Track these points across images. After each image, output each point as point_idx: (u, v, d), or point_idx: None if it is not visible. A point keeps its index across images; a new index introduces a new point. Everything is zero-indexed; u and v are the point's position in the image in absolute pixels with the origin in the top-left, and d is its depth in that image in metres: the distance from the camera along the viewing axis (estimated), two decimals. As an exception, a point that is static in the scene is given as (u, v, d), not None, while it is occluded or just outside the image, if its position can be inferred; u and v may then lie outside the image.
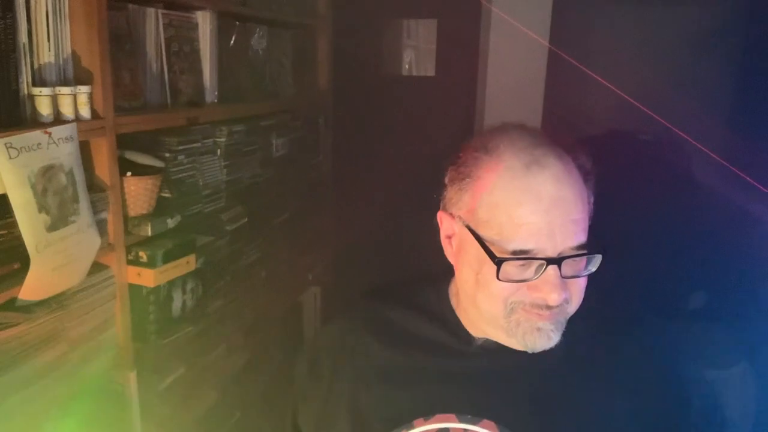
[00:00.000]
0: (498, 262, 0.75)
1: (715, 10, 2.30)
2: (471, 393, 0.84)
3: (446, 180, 0.86)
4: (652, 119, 2.21)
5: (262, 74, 2.02)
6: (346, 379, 0.90)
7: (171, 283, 1.52)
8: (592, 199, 0.81)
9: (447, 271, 0.90)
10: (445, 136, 2.53)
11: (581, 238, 0.76)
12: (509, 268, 0.75)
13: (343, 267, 2.60)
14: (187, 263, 1.54)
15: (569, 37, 2.39)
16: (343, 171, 2.54)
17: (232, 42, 1.83)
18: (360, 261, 2.54)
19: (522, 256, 0.75)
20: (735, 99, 2.33)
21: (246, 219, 1.84)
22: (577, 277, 0.78)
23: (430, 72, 2.57)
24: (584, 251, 0.76)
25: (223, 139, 1.72)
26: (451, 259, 0.87)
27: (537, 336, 0.78)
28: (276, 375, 2.04)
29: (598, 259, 0.77)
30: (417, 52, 2.58)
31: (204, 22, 1.67)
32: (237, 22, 1.84)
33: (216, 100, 1.74)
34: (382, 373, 0.88)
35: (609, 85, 2.34)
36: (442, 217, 0.87)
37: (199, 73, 1.68)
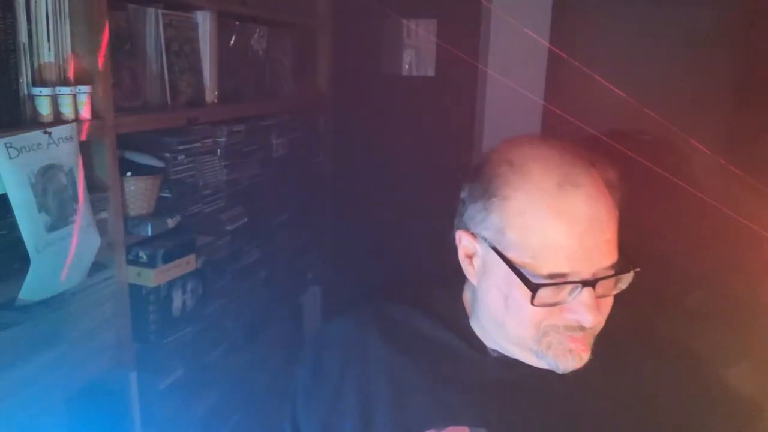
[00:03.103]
0: (534, 288, 0.71)
1: (716, 9, 2.30)
2: (485, 406, 0.81)
3: (464, 196, 0.81)
4: (653, 119, 2.21)
5: (262, 74, 2.02)
6: (355, 378, 0.87)
7: (171, 283, 1.52)
8: (618, 214, 0.77)
9: (459, 273, 0.85)
10: (445, 137, 2.54)
11: (614, 256, 0.73)
12: (543, 292, 0.72)
13: (343, 267, 2.60)
14: (187, 263, 1.54)
15: (569, 37, 2.39)
16: (343, 171, 2.54)
17: (232, 42, 1.83)
18: (360, 261, 2.54)
19: (558, 280, 0.72)
20: (735, 99, 2.33)
21: (246, 219, 1.84)
22: (607, 296, 0.75)
23: (430, 72, 2.57)
24: (617, 270, 0.73)
25: (223, 139, 1.72)
26: (472, 279, 0.83)
27: (569, 358, 0.75)
28: (276, 375, 2.04)
29: (629, 277, 0.74)
30: (417, 52, 2.58)
31: (204, 22, 1.67)
32: (237, 22, 1.84)
33: (216, 100, 1.74)
34: (392, 376, 0.85)
35: (609, 85, 2.34)
36: (461, 236, 0.82)
37: (199, 73, 1.68)
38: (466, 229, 0.80)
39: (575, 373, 0.77)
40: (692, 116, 2.23)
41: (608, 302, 0.76)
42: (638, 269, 0.74)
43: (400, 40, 2.58)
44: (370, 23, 2.55)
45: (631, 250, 0.76)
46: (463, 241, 0.82)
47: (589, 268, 0.72)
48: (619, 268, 0.74)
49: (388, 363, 0.86)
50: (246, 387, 1.90)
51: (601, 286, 0.73)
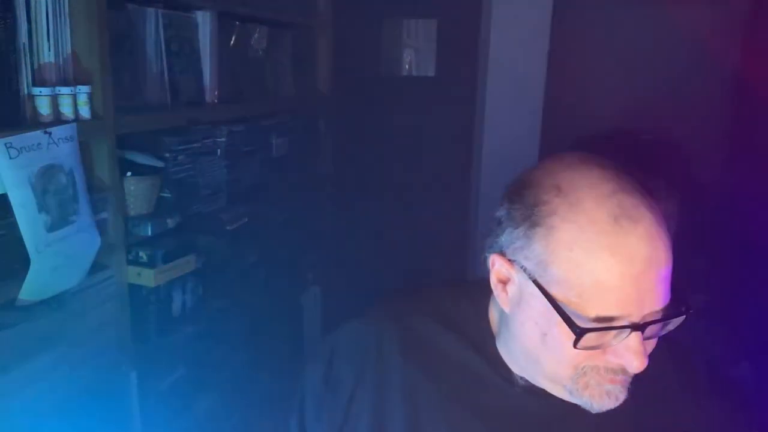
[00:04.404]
0: (580, 333, 0.65)
1: (716, 9, 2.30)
2: None
3: (502, 216, 0.73)
4: (653, 119, 2.21)
5: (262, 74, 2.02)
6: (369, 390, 0.82)
7: (171, 283, 1.52)
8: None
9: (484, 286, 0.78)
10: (445, 137, 2.54)
11: (666, 299, 0.67)
12: (587, 334, 0.66)
13: (343, 267, 2.61)
14: (187, 263, 1.54)
15: (569, 37, 2.39)
16: (343, 171, 2.54)
17: (232, 42, 1.83)
18: (360, 261, 2.54)
19: (605, 324, 0.65)
20: (736, 98, 2.33)
21: (246, 219, 1.84)
22: (654, 337, 0.69)
23: (430, 72, 2.58)
24: (668, 312, 0.67)
25: (223, 139, 1.72)
26: (504, 306, 0.76)
27: (605, 399, 0.70)
28: (276, 375, 2.04)
29: (680, 320, 0.68)
30: (417, 52, 2.58)
31: (204, 22, 1.66)
32: (237, 22, 1.84)
33: (216, 100, 1.74)
34: (409, 394, 0.80)
35: (609, 86, 2.34)
36: (495, 260, 0.74)
37: (199, 73, 1.68)
38: (502, 253, 0.73)
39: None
40: (692, 116, 2.24)
41: (653, 343, 0.70)
42: (691, 311, 0.68)
43: (400, 40, 2.58)
44: (370, 23, 2.56)
45: (684, 288, 0.70)
46: (497, 266, 0.74)
47: (640, 312, 0.65)
48: (671, 310, 0.67)
49: (406, 379, 0.81)
50: (246, 387, 1.90)
51: (650, 329, 0.67)
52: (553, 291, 0.67)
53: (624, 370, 0.68)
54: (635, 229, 0.65)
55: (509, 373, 0.79)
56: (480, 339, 0.81)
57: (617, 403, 0.70)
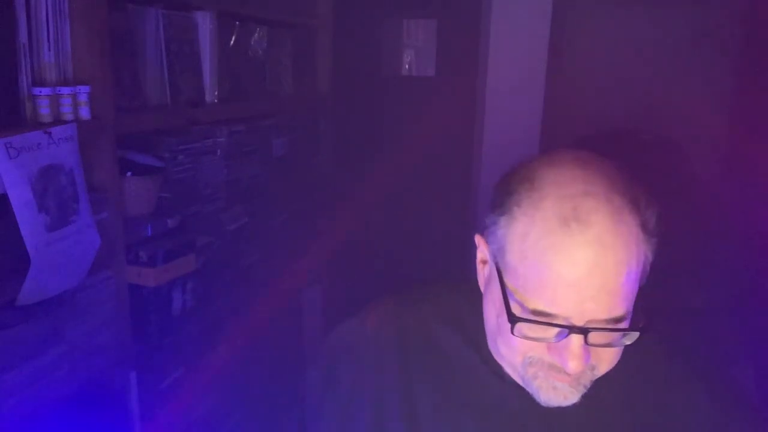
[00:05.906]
0: (513, 320, 0.67)
1: (715, 9, 2.30)
2: None
3: (491, 200, 0.75)
4: (653, 118, 2.21)
5: (262, 74, 2.02)
6: (368, 388, 0.82)
7: (171, 283, 1.52)
8: (650, 260, 0.69)
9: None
10: (445, 137, 2.54)
11: (617, 311, 0.66)
12: (524, 325, 0.67)
13: (343, 267, 2.61)
14: (187, 263, 1.54)
15: (569, 37, 2.39)
16: (343, 171, 2.54)
17: (232, 42, 1.83)
18: (360, 261, 2.55)
19: (541, 319, 0.66)
20: (735, 98, 2.33)
21: (246, 219, 1.84)
22: (611, 346, 0.69)
23: (430, 72, 2.58)
24: (618, 325, 0.66)
25: (223, 139, 1.72)
26: (480, 285, 0.80)
27: (552, 394, 0.71)
28: (276, 375, 2.04)
29: (634, 335, 0.67)
30: (417, 52, 2.58)
31: (204, 22, 1.67)
32: (237, 22, 1.84)
33: (216, 100, 1.74)
34: (408, 395, 0.81)
35: (609, 86, 2.34)
36: (479, 241, 0.78)
37: (199, 73, 1.68)
38: (483, 236, 0.76)
39: (602, 404, 0.73)
40: (692, 115, 2.24)
41: (614, 351, 0.70)
42: (642, 331, 0.67)
43: (400, 40, 2.58)
44: (370, 23, 2.56)
45: (649, 307, 0.69)
46: (480, 246, 0.78)
47: (580, 315, 0.65)
48: (626, 323, 0.67)
49: (405, 378, 0.82)
50: (246, 387, 1.90)
51: (599, 336, 0.67)
52: (506, 278, 0.70)
53: (566, 371, 0.69)
54: (583, 234, 0.64)
55: (500, 367, 0.79)
56: (476, 335, 0.82)
57: (566, 402, 0.71)
